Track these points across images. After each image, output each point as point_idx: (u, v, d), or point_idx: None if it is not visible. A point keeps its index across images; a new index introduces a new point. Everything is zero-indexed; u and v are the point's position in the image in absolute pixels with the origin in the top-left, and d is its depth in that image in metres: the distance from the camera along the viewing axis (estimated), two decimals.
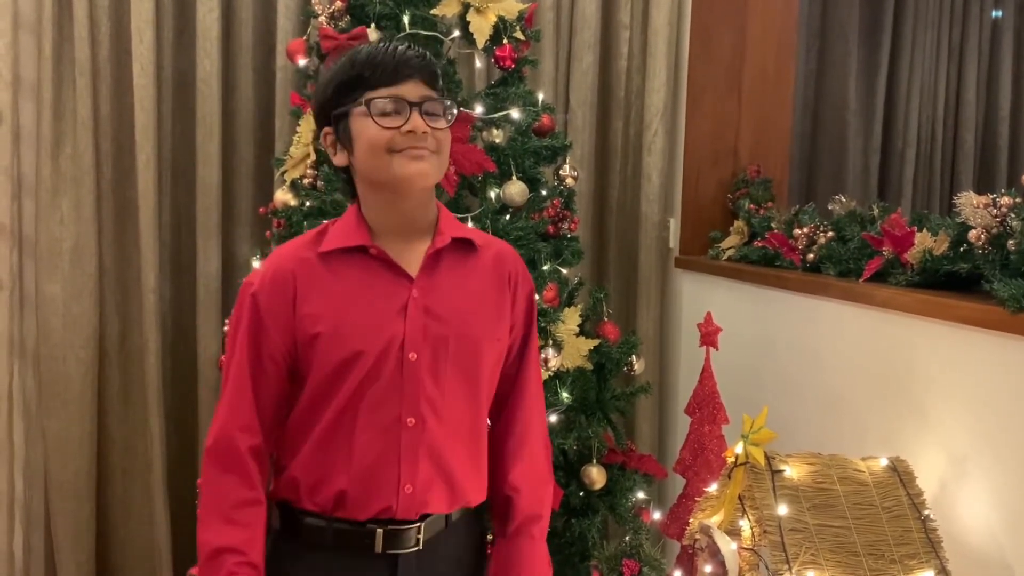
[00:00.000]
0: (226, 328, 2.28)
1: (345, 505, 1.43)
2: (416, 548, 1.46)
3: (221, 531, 1.41)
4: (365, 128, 1.40)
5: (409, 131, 1.38)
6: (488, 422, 1.58)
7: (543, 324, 2.17)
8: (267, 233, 2.50)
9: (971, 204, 1.72)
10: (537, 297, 2.17)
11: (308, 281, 1.44)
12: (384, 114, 1.39)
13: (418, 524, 1.45)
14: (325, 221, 1.55)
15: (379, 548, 1.44)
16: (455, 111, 1.46)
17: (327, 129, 1.47)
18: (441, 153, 1.43)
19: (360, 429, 1.42)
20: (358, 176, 1.47)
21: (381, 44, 1.42)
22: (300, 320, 1.43)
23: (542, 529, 1.58)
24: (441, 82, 1.45)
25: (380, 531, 1.44)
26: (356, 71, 1.40)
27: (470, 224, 2.14)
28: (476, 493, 1.53)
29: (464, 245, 1.52)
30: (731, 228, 2.92)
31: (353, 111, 1.40)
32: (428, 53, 1.45)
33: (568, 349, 2.21)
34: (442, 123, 1.42)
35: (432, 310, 1.45)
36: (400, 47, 1.41)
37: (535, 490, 1.58)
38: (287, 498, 1.48)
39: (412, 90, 1.39)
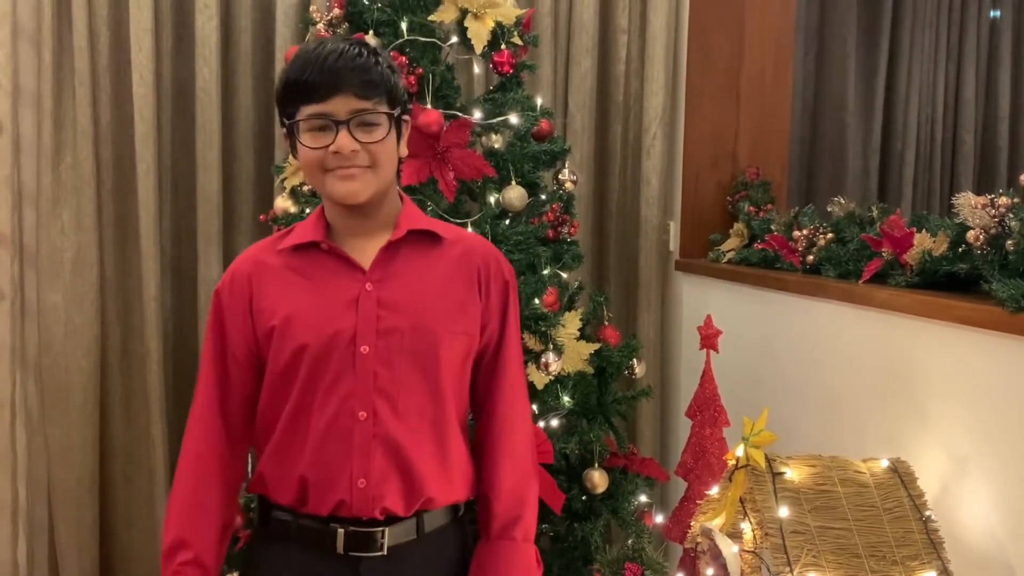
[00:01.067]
0: None
1: (307, 497, 1.45)
2: (380, 554, 1.45)
3: (174, 526, 1.47)
4: (299, 146, 1.41)
5: (335, 151, 1.38)
6: (464, 419, 1.57)
7: (544, 328, 2.17)
8: None
9: (969, 205, 1.72)
10: (537, 301, 2.18)
11: (264, 278, 1.48)
12: (314, 131, 1.39)
13: (382, 528, 1.44)
14: None
15: (340, 549, 1.44)
16: (397, 113, 1.43)
17: (283, 131, 1.48)
18: (378, 166, 1.42)
19: (315, 422, 1.44)
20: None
21: (318, 50, 1.39)
22: (256, 316, 1.47)
23: (525, 530, 1.55)
24: (383, 86, 1.41)
25: (341, 531, 1.44)
26: (291, 78, 1.39)
27: (469, 230, 2.14)
28: (442, 491, 1.49)
29: (427, 238, 1.51)
30: (731, 231, 2.92)
31: (290, 123, 1.41)
32: (368, 54, 1.40)
33: (569, 353, 2.21)
34: (378, 133, 1.40)
35: (386, 302, 1.45)
36: (334, 55, 1.38)
37: (514, 491, 1.55)
38: (262, 491, 1.51)
39: (341, 105, 1.38)
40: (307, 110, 1.39)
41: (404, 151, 1.50)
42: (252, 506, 1.60)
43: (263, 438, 1.50)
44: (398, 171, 1.56)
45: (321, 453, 1.43)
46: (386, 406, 1.44)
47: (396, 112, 1.44)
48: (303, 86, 1.38)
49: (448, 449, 1.50)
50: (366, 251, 1.47)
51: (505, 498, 1.54)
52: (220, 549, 1.51)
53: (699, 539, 1.87)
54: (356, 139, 1.38)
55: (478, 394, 1.59)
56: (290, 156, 2.35)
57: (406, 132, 1.51)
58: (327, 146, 1.38)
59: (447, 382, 1.49)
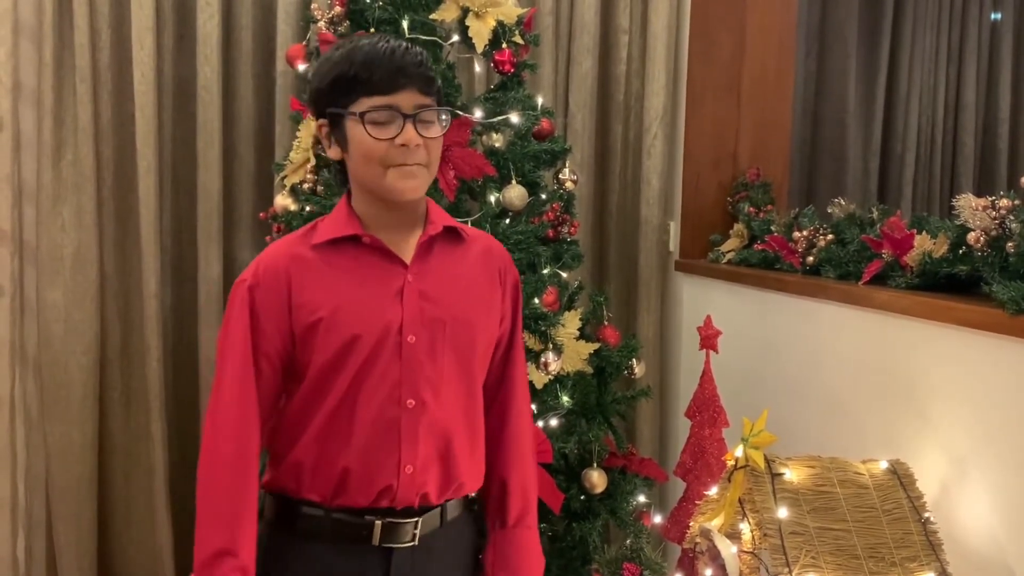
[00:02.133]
0: None
1: (347, 488, 1.44)
2: (411, 543, 1.47)
3: (218, 532, 1.40)
4: (359, 136, 1.40)
5: (402, 144, 1.39)
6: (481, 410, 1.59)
7: (543, 328, 2.17)
8: (267, 238, 2.50)
9: (970, 206, 1.72)
10: (537, 301, 2.18)
11: (302, 273, 1.45)
12: (377, 124, 1.39)
13: (416, 519, 1.46)
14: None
15: (376, 540, 1.45)
16: (448, 117, 1.47)
17: (322, 121, 1.47)
18: (431, 164, 1.45)
19: (361, 412, 1.43)
20: (352, 174, 1.48)
21: (380, 44, 1.40)
22: (296, 311, 1.44)
23: (534, 519, 1.63)
24: (437, 86, 1.45)
25: (379, 523, 1.45)
26: (353, 72, 1.39)
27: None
28: (471, 479, 1.54)
29: (454, 235, 1.54)
30: (731, 231, 2.92)
31: (347, 115, 1.41)
32: (425, 55, 1.44)
33: (568, 353, 2.21)
34: (435, 130, 1.43)
35: (427, 294, 1.47)
36: (398, 50, 1.40)
37: (528, 481, 1.62)
38: (285, 487, 1.48)
39: (407, 99, 1.39)
40: (370, 102, 1.39)
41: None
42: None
43: (295, 431, 1.47)
44: None
45: (367, 441, 1.43)
46: (431, 394, 1.45)
47: (448, 114, 1.47)
48: (374, 74, 1.38)
49: (477, 436, 1.54)
50: (399, 244, 1.48)
51: (521, 488, 1.60)
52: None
53: (698, 539, 1.87)
54: (419, 133, 1.40)
55: (488, 387, 1.61)
56: (291, 154, 2.35)
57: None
58: (391, 138, 1.39)
59: (479, 373, 1.54)
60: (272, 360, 1.46)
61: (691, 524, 1.92)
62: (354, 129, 1.40)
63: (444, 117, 1.45)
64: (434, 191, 2.12)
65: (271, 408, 1.49)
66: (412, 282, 1.46)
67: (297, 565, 1.48)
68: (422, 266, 1.48)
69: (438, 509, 1.50)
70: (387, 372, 1.44)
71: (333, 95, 1.42)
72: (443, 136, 1.46)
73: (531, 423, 1.68)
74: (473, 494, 1.59)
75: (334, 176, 1.65)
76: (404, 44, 1.42)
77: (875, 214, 2.24)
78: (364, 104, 1.39)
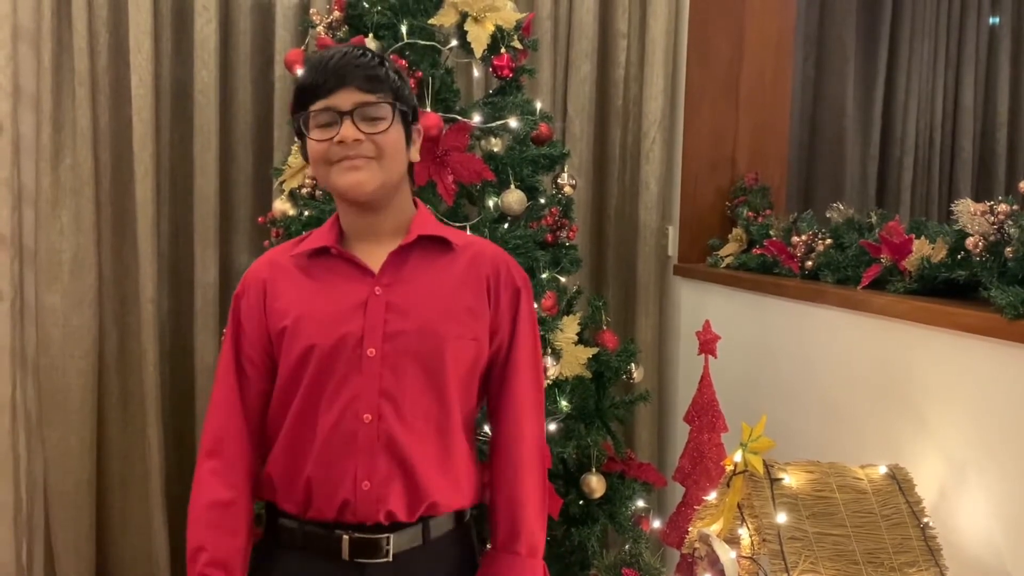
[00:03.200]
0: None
1: (313, 500, 1.45)
2: (386, 559, 1.45)
3: (197, 532, 1.46)
4: (308, 142, 1.45)
5: (339, 141, 1.41)
6: (470, 425, 1.57)
7: (542, 333, 2.17)
8: (265, 243, 2.49)
9: (968, 211, 1.72)
10: (536, 305, 2.18)
11: (278, 281, 1.50)
12: (320, 126, 1.43)
13: (387, 535, 1.45)
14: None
15: (346, 555, 1.45)
16: (401, 108, 1.46)
17: (299, 142, 1.52)
18: (384, 157, 1.44)
19: (320, 423, 1.45)
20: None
21: (328, 53, 1.45)
22: (270, 317, 1.49)
23: (530, 545, 1.54)
24: (388, 84, 1.44)
25: (346, 537, 1.45)
26: (300, 84, 1.45)
27: (468, 233, 2.14)
28: (447, 496, 1.49)
29: (438, 244, 1.53)
30: (729, 236, 2.92)
31: (301, 123, 1.45)
32: (373, 55, 1.45)
33: (567, 357, 2.21)
34: (382, 125, 1.43)
35: (395, 306, 1.46)
36: (339, 54, 1.43)
37: (512, 502, 1.54)
38: (267, 497, 1.52)
39: (345, 98, 1.41)
40: (314, 106, 1.43)
41: (415, 156, 1.53)
42: (260, 513, 1.58)
43: (271, 439, 1.52)
44: (410, 176, 1.58)
45: (326, 453, 1.44)
46: (391, 409, 1.44)
47: (400, 106, 1.46)
48: (314, 80, 1.42)
49: (453, 454, 1.50)
50: (377, 255, 1.49)
51: (504, 509, 1.54)
52: (246, 556, 1.50)
53: (697, 545, 1.87)
54: (360, 130, 1.41)
55: (490, 403, 1.60)
56: (289, 159, 2.36)
57: (417, 139, 1.53)
58: (331, 138, 1.41)
59: (453, 387, 1.49)
60: (256, 364, 1.51)
61: (690, 529, 1.92)
62: (307, 138, 1.45)
63: (390, 110, 1.44)
64: (433, 196, 2.12)
65: (263, 412, 1.53)
66: (379, 294, 1.46)
67: (277, 574, 1.51)
68: (393, 276, 1.48)
69: (418, 526, 1.47)
70: (345, 384, 1.44)
71: (295, 110, 1.47)
72: (395, 129, 1.44)
73: (533, 442, 1.58)
74: (467, 512, 1.56)
75: (323, 191, 1.69)
76: (352, 49, 1.45)
77: (874, 219, 2.24)
78: (310, 109, 1.43)
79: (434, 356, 1.46)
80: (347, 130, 1.40)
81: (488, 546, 1.61)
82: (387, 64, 1.48)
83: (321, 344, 1.44)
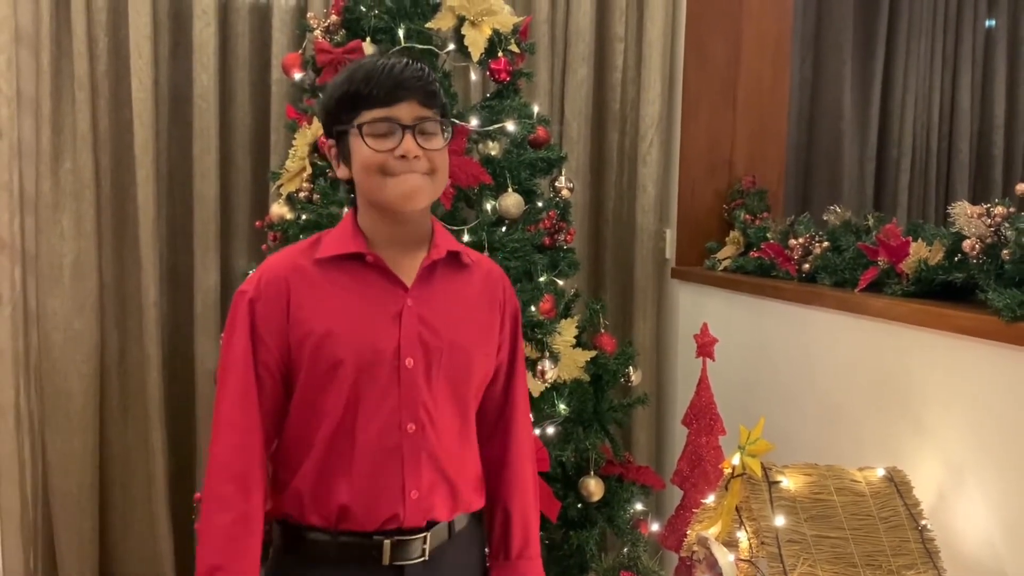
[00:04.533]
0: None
1: (349, 517, 1.43)
2: (422, 559, 1.46)
3: (215, 549, 1.40)
4: (360, 149, 1.41)
5: (401, 155, 1.39)
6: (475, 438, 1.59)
7: (540, 336, 2.17)
8: (263, 246, 2.50)
9: (965, 214, 1.73)
10: (533, 309, 2.18)
11: (302, 287, 1.44)
12: (377, 136, 1.39)
13: (424, 534, 1.46)
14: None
15: (386, 560, 1.44)
16: (451, 129, 1.47)
17: (330, 142, 1.48)
18: (436, 174, 1.43)
19: (361, 438, 1.42)
20: (358, 189, 1.47)
21: (381, 61, 1.42)
22: (293, 326, 1.43)
23: (536, 548, 1.63)
24: (440, 99, 1.45)
25: (387, 542, 1.44)
26: (354, 88, 1.41)
27: (466, 237, 2.14)
28: (476, 496, 1.55)
29: (456, 260, 1.53)
30: (727, 238, 2.92)
31: (350, 130, 1.41)
32: (428, 70, 1.44)
33: (565, 361, 2.21)
34: (438, 142, 1.43)
35: (426, 320, 1.46)
36: (399, 65, 1.41)
37: (529, 511, 1.62)
38: (289, 513, 1.47)
39: (407, 111, 1.40)
40: (370, 114, 1.40)
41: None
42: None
43: (296, 455, 1.46)
44: None
45: (369, 465, 1.42)
46: (428, 419, 1.45)
47: (451, 127, 1.47)
48: (373, 88, 1.39)
49: (469, 458, 1.54)
50: (402, 265, 1.47)
51: (522, 519, 1.60)
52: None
53: (695, 548, 1.87)
54: (419, 144, 1.40)
55: (489, 415, 1.61)
56: (287, 163, 2.35)
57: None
58: (391, 150, 1.39)
59: (472, 400, 1.53)
60: (273, 372, 1.45)
61: (688, 532, 1.92)
62: (356, 143, 1.41)
63: (446, 128, 1.45)
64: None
65: (277, 422, 1.48)
66: (412, 306, 1.45)
67: None
68: (423, 290, 1.47)
69: (447, 523, 1.50)
70: (385, 396, 1.42)
71: (337, 113, 1.44)
72: (446, 148, 1.45)
73: (532, 452, 1.67)
74: (480, 511, 1.61)
75: (344, 195, 1.65)
76: (406, 60, 1.42)
77: (871, 221, 2.25)
78: (365, 117, 1.40)
79: (462, 370, 1.49)
80: (410, 144, 1.39)
81: (488, 551, 1.63)
82: (438, 79, 1.47)
83: (356, 356, 1.41)
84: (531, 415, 1.72)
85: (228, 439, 1.43)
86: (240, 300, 1.46)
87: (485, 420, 1.61)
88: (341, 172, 1.48)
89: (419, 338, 1.44)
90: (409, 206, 1.42)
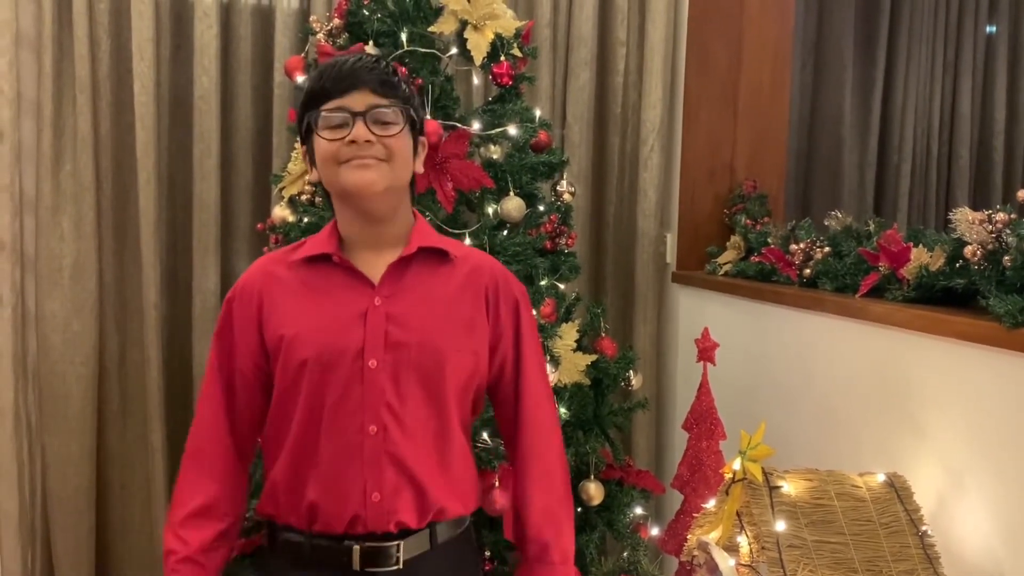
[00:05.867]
0: None
1: (319, 513, 1.45)
2: (396, 567, 1.45)
3: (172, 534, 1.49)
4: (318, 143, 1.44)
5: (351, 141, 1.40)
6: (467, 432, 1.58)
7: (541, 340, 2.17)
8: (264, 249, 2.50)
9: (967, 220, 1.73)
10: (535, 312, 2.18)
11: (274, 290, 1.48)
12: (331, 127, 1.42)
13: (397, 542, 1.45)
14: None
15: (356, 565, 1.44)
16: (412, 115, 1.47)
17: (304, 147, 1.50)
18: (393, 160, 1.44)
19: (324, 437, 1.44)
20: (325, 187, 1.49)
21: (339, 58, 1.45)
22: (265, 328, 1.48)
23: (563, 552, 1.57)
24: (398, 89, 1.46)
25: (357, 547, 1.44)
26: (310, 85, 1.45)
27: (467, 240, 2.14)
28: (452, 502, 1.51)
29: (437, 256, 1.53)
30: (727, 243, 2.93)
31: (312, 126, 1.44)
32: (382, 62, 1.46)
33: (565, 364, 2.21)
34: (393, 129, 1.43)
35: (395, 317, 1.46)
36: (352, 59, 1.44)
37: (546, 512, 1.57)
38: (269, 513, 1.51)
39: (358, 100, 1.41)
40: (325, 107, 1.42)
41: (420, 167, 1.53)
42: (246, 524, 1.59)
43: (272, 455, 1.50)
44: (411, 186, 1.57)
45: (332, 466, 1.44)
46: (393, 420, 1.44)
47: (410, 112, 1.47)
48: (327, 82, 1.42)
49: (452, 462, 1.51)
50: (377, 266, 1.48)
51: (537, 520, 1.56)
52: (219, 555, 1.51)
53: (695, 552, 1.87)
54: (372, 131, 1.41)
55: (504, 416, 1.61)
56: (288, 165, 2.36)
57: (422, 152, 1.54)
58: (342, 138, 1.40)
59: (451, 398, 1.50)
60: (246, 376, 1.49)
61: (689, 536, 1.92)
62: (316, 139, 1.44)
63: (402, 114, 1.45)
64: (432, 203, 2.12)
65: (253, 419, 1.52)
66: (379, 305, 1.46)
67: None
68: (393, 288, 1.48)
69: (425, 532, 1.48)
70: (347, 397, 1.43)
71: (303, 116, 1.46)
72: (404, 134, 1.45)
73: (559, 450, 1.62)
74: (469, 516, 1.58)
75: (323, 201, 1.67)
76: (362, 55, 1.46)
77: (872, 227, 2.25)
78: (320, 110, 1.42)
79: (434, 369, 1.47)
80: (359, 130, 1.40)
81: (497, 556, 1.62)
82: (398, 73, 1.49)
83: (321, 355, 1.43)
84: (556, 408, 1.67)
85: (197, 436, 1.54)
86: (225, 305, 1.53)
87: (503, 418, 1.61)
88: (312, 175, 1.50)
89: (385, 338, 1.44)
90: (364, 192, 1.43)
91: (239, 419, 1.51)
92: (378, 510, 1.43)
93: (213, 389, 1.51)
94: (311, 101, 1.44)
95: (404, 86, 1.47)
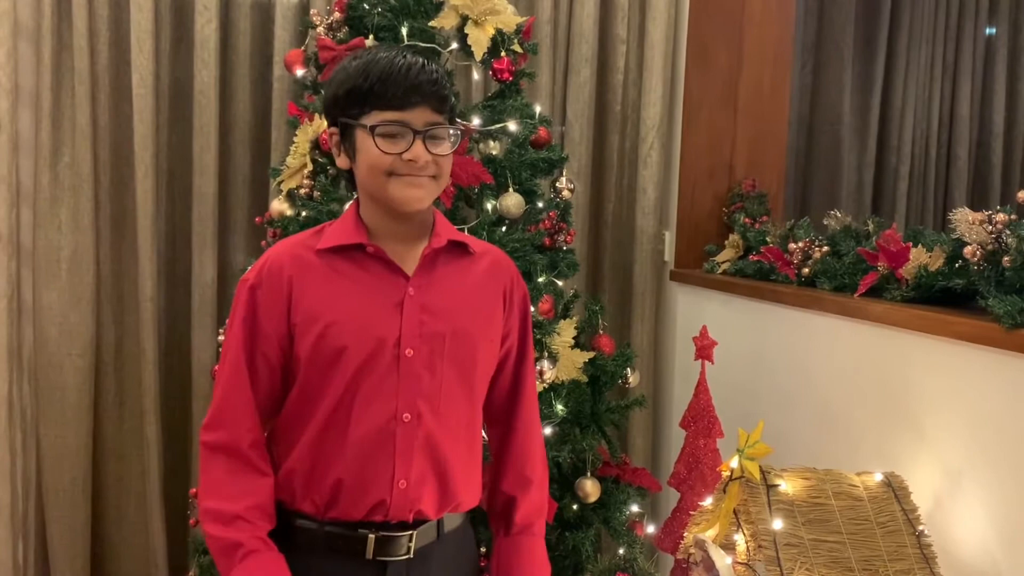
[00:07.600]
0: (221, 336, 2.28)
1: (340, 500, 1.44)
2: (407, 556, 1.46)
3: (232, 526, 1.41)
4: (368, 149, 1.41)
5: (410, 159, 1.39)
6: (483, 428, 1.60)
7: (538, 336, 2.17)
8: (262, 243, 2.50)
9: (966, 220, 1.73)
10: (533, 309, 2.18)
11: (304, 276, 1.45)
12: (387, 137, 1.39)
13: (410, 532, 1.46)
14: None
15: (370, 554, 1.45)
16: (460, 133, 1.47)
17: (333, 130, 1.48)
18: (440, 177, 1.45)
19: (355, 424, 1.43)
20: (359, 183, 1.48)
21: (397, 59, 1.40)
22: (294, 315, 1.44)
23: (541, 527, 1.63)
24: (450, 104, 1.44)
25: (372, 536, 1.44)
26: (368, 85, 1.40)
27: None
28: (468, 495, 1.54)
29: (459, 248, 1.54)
30: (726, 242, 2.92)
31: (358, 126, 1.41)
32: (442, 72, 1.44)
33: (563, 361, 2.21)
34: (445, 147, 1.43)
35: (429, 307, 1.46)
36: (415, 67, 1.40)
37: (537, 492, 1.63)
38: (281, 498, 1.48)
39: (419, 116, 1.40)
40: (382, 116, 1.39)
41: None
42: None
43: (290, 439, 1.47)
44: None
45: (361, 454, 1.43)
46: (428, 409, 1.45)
47: (459, 131, 1.47)
48: (388, 89, 1.39)
49: (475, 453, 1.55)
50: (404, 256, 1.48)
51: (533, 500, 1.62)
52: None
53: (692, 550, 1.87)
54: (428, 150, 1.40)
55: (498, 403, 1.63)
56: (287, 159, 2.35)
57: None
58: (400, 153, 1.39)
59: (480, 387, 1.54)
60: (271, 361, 1.46)
61: (685, 534, 1.92)
62: (364, 140, 1.41)
63: (454, 134, 1.45)
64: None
65: (272, 406, 1.49)
66: (413, 295, 1.46)
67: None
68: (425, 278, 1.48)
69: (435, 522, 1.50)
70: (383, 385, 1.43)
71: (346, 105, 1.43)
72: (453, 153, 1.46)
73: (541, 438, 1.68)
74: (473, 510, 1.60)
75: (344, 184, 1.65)
76: (421, 61, 1.42)
77: (871, 226, 2.25)
78: (376, 117, 1.39)
79: (467, 357, 1.49)
80: (419, 150, 1.39)
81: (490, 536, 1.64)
82: (450, 83, 1.47)
83: (359, 344, 1.42)
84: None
85: (231, 428, 1.45)
86: (242, 288, 1.47)
87: (492, 409, 1.62)
88: (341, 162, 1.48)
89: (421, 327, 1.45)
90: (412, 208, 1.43)
91: (263, 407, 1.48)
92: (403, 497, 1.44)
93: (240, 379, 1.45)
94: (366, 100, 1.40)
95: (453, 98, 1.46)
